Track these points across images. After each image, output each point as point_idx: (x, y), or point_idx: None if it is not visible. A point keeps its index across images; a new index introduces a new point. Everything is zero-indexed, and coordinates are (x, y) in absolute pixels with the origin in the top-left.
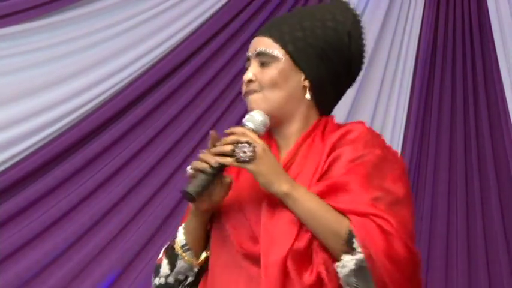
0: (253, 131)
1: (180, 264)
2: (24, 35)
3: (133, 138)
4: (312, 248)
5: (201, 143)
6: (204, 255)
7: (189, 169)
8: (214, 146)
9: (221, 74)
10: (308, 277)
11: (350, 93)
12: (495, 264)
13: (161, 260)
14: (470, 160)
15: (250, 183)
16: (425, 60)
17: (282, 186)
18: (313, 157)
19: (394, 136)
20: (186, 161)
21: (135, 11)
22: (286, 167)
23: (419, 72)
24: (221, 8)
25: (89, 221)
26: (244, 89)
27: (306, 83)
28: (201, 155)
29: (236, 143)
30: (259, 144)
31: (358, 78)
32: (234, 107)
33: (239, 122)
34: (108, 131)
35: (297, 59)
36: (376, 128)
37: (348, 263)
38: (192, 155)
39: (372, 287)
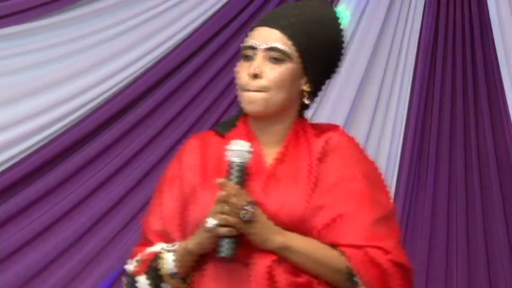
0: (241, 167)
1: (166, 286)
2: (24, 35)
3: (134, 138)
4: (312, 282)
5: None
6: (190, 277)
7: (211, 225)
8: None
9: (221, 74)
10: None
11: (350, 93)
12: (495, 265)
13: (138, 273)
14: (471, 160)
15: None
16: (425, 60)
17: (275, 240)
18: (301, 162)
19: (394, 136)
20: None
21: (136, 11)
22: (275, 166)
23: (419, 72)
24: (221, 8)
25: (89, 221)
26: (244, 82)
27: (307, 88)
28: (220, 221)
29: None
30: (255, 202)
31: (359, 78)
32: (234, 108)
33: None
34: (109, 131)
35: (307, 61)
36: (376, 128)
37: None
38: None
39: None
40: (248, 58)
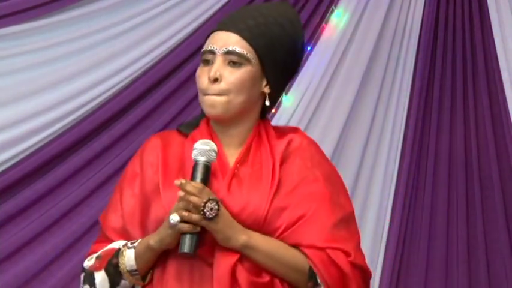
0: (206, 166)
1: (125, 284)
2: (24, 35)
3: (133, 139)
4: (274, 282)
5: None
6: (149, 275)
7: (174, 221)
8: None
9: None
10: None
11: (350, 93)
12: (495, 265)
13: (96, 269)
14: (471, 160)
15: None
16: (425, 60)
17: (239, 239)
18: (264, 163)
19: (394, 136)
20: None
21: (135, 12)
22: (237, 167)
23: (419, 72)
24: (221, 8)
25: (89, 221)
26: (204, 86)
27: (267, 90)
28: (183, 218)
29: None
30: (219, 200)
31: (359, 78)
32: None
33: None
34: (108, 131)
35: (266, 64)
36: (376, 128)
37: None
38: None
39: None
40: (208, 62)
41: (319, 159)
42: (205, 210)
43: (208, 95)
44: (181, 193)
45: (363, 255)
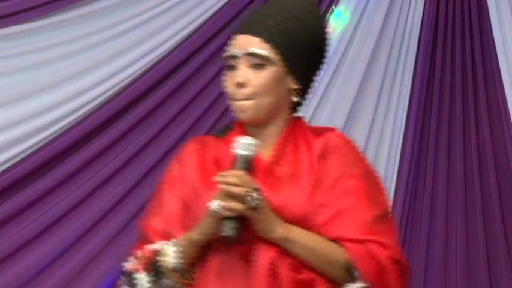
0: (248, 159)
1: (165, 282)
2: (23, 36)
3: (133, 139)
4: (314, 279)
5: None
6: (190, 274)
7: (215, 207)
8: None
9: (221, 74)
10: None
11: (350, 93)
12: (495, 265)
13: (136, 270)
14: (470, 160)
15: None
16: (425, 60)
17: (279, 231)
18: (303, 161)
19: (394, 136)
20: None
21: (135, 12)
22: (271, 167)
23: (419, 72)
24: (221, 8)
25: (89, 221)
26: (231, 92)
27: (295, 86)
28: (225, 205)
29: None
30: (260, 189)
31: (359, 78)
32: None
33: None
34: (108, 131)
35: (290, 61)
36: (376, 128)
37: None
38: None
39: None
40: (232, 67)
41: (356, 157)
42: (248, 199)
43: (236, 100)
44: (222, 186)
45: (401, 250)
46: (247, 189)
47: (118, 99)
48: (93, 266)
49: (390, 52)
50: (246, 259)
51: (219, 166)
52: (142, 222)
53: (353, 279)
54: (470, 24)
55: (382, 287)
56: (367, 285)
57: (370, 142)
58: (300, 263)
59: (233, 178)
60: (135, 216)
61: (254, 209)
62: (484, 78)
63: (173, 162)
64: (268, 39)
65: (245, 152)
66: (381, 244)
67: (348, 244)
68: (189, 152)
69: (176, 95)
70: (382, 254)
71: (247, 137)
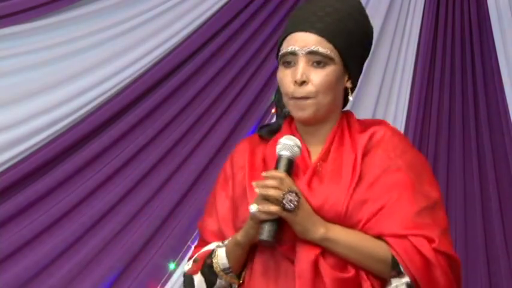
0: (289, 161)
1: (220, 283)
2: (23, 36)
3: (133, 139)
4: (359, 276)
5: (200, 144)
6: (243, 274)
7: (252, 210)
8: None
9: (221, 74)
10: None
11: None
12: (494, 265)
13: (194, 272)
14: (470, 160)
15: None
16: (425, 60)
17: (318, 231)
18: (346, 158)
19: None
20: (185, 162)
21: (135, 12)
22: (319, 164)
23: (419, 72)
24: (221, 8)
25: (89, 221)
26: (291, 89)
27: (349, 84)
28: (261, 208)
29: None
30: (299, 191)
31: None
32: (234, 107)
33: (239, 123)
34: (108, 131)
35: (347, 59)
36: None
37: (398, 286)
38: (191, 155)
39: None
40: (289, 64)
41: (402, 149)
42: (284, 201)
43: (295, 98)
44: (259, 190)
45: (450, 242)
46: (284, 192)
47: (118, 99)
48: (93, 265)
49: (390, 52)
50: (289, 258)
51: (266, 166)
52: (199, 223)
53: (399, 274)
54: (470, 24)
55: (430, 280)
56: (413, 279)
57: None
58: (343, 261)
59: (271, 181)
60: (135, 216)
61: (291, 211)
62: (483, 78)
63: (226, 162)
64: (330, 37)
65: (287, 153)
66: (425, 237)
67: (391, 240)
68: (240, 152)
69: (176, 95)
70: (426, 248)
71: (291, 136)
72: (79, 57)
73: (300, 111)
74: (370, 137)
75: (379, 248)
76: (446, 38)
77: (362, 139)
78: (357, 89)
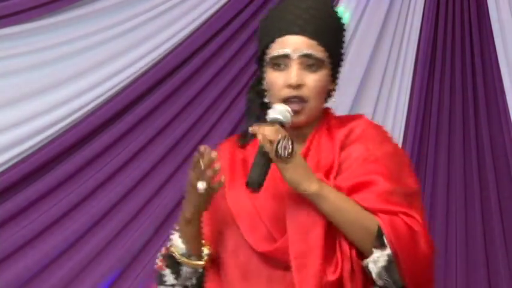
0: (283, 124)
1: (186, 270)
2: (23, 36)
3: (133, 139)
4: (336, 243)
5: (200, 143)
6: (205, 252)
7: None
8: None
9: (221, 74)
10: (331, 275)
11: (350, 92)
12: (494, 265)
13: (162, 268)
14: (470, 160)
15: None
16: (425, 60)
17: (311, 185)
18: (324, 153)
19: (394, 136)
20: (185, 161)
21: (135, 12)
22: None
23: (419, 72)
24: (221, 8)
25: (89, 220)
26: (283, 93)
27: (333, 86)
28: (257, 129)
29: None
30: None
31: (359, 78)
32: (234, 107)
33: (239, 123)
34: (108, 131)
35: (334, 62)
36: None
37: (380, 258)
38: (192, 155)
39: (399, 281)
40: (279, 67)
41: (381, 141)
42: (278, 146)
43: (288, 101)
44: (252, 129)
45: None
46: (279, 139)
47: (118, 99)
48: (94, 265)
49: (390, 52)
50: (275, 263)
51: (245, 167)
52: (175, 225)
53: (381, 246)
54: (470, 24)
55: (410, 255)
56: (394, 252)
57: None
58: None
59: (268, 129)
60: (135, 216)
61: (283, 158)
62: (483, 78)
63: None
64: (322, 41)
65: (279, 116)
66: (412, 216)
67: (378, 213)
68: (222, 153)
69: (176, 95)
70: (414, 223)
71: (283, 104)
72: (79, 57)
73: (293, 116)
74: (349, 132)
75: (366, 216)
76: (446, 38)
77: (340, 133)
78: (357, 89)
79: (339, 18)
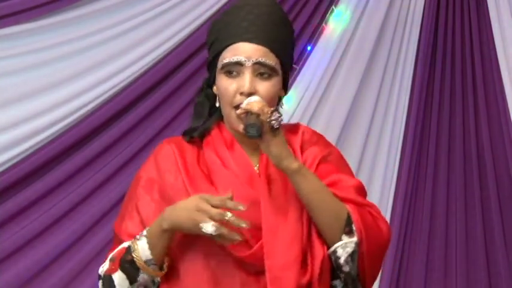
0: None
1: (143, 278)
2: (23, 36)
3: (133, 139)
4: (308, 247)
5: None
6: (165, 263)
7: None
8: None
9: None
10: (302, 278)
11: (350, 93)
12: (494, 266)
13: (112, 271)
14: (470, 160)
15: (234, 191)
16: (425, 61)
17: (294, 162)
18: None
19: (394, 136)
20: None
21: (135, 12)
22: (266, 169)
23: (419, 73)
24: (221, 8)
25: (89, 220)
26: (236, 100)
27: (283, 93)
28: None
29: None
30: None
31: (359, 78)
32: None
33: None
34: (108, 131)
35: (285, 70)
36: (376, 128)
37: (348, 244)
38: None
39: (354, 268)
40: (230, 74)
41: (325, 144)
42: (273, 117)
43: (239, 108)
44: (244, 106)
45: None
46: (272, 109)
47: (118, 99)
48: (94, 265)
49: (390, 52)
50: (248, 268)
51: (209, 172)
52: (116, 226)
53: (349, 233)
54: (470, 24)
55: (375, 243)
56: (360, 240)
57: (370, 143)
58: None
59: (260, 101)
60: None
61: (274, 130)
62: (483, 78)
63: (147, 164)
64: (274, 49)
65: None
66: (373, 205)
67: (348, 203)
68: (166, 155)
69: (176, 95)
70: (377, 211)
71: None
72: (79, 57)
73: (243, 124)
74: (302, 135)
75: (338, 202)
76: (446, 39)
77: (295, 138)
78: (357, 89)
79: (290, 25)
